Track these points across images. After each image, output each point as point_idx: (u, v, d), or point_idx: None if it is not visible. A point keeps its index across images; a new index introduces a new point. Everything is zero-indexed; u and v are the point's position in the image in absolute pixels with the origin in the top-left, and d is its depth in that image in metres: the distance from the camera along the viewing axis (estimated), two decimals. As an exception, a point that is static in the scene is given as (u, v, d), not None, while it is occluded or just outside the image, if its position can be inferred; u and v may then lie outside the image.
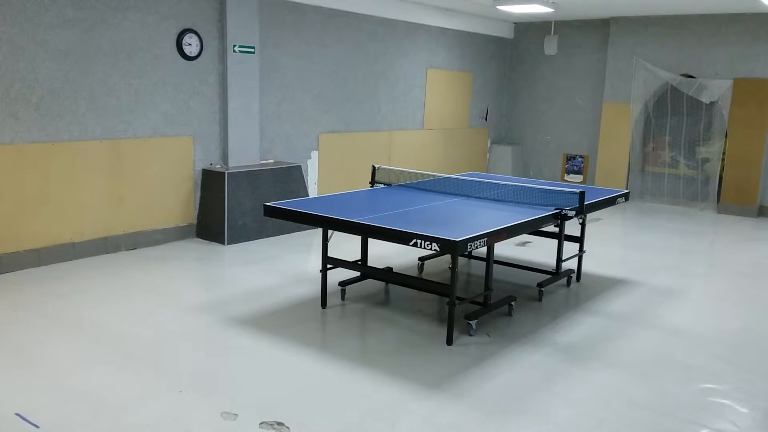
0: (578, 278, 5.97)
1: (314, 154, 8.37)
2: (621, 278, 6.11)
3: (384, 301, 5.29)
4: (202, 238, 7.11)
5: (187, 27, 6.71)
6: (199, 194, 7.12)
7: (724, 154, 9.60)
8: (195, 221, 7.16)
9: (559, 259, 5.66)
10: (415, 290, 5.35)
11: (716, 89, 9.46)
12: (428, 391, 3.72)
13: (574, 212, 5.05)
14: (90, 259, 6.18)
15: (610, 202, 5.85)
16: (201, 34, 6.83)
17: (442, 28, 9.98)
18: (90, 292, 5.26)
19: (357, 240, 5.52)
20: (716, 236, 8.33)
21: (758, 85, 9.21)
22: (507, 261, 6.33)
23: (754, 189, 9.39)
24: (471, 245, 4.00)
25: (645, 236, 8.07)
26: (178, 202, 6.97)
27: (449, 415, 3.46)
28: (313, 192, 8.35)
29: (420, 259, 6.25)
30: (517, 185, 6.04)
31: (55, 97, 5.84)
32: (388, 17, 9.02)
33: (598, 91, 10.75)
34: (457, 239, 3.89)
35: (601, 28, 10.60)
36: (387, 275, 5.19)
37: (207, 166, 7.12)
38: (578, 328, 4.78)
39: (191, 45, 6.76)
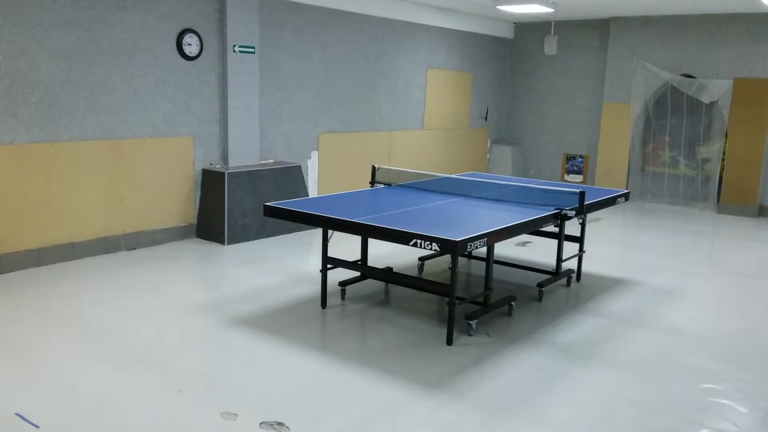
0: (578, 278, 5.97)
1: (314, 154, 8.37)
2: (621, 278, 6.11)
3: (384, 301, 5.29)
4: (202, 238, 7.11)
5: (187, 27, 6.71)
6: (199, 194, 7.13)
7: (724, 154, 9.60)
8: (195, 221, 7.16)
9: (559, 259, 5.66)
10: (415, 290, 5.35)
11: (716, 89, 9.46)
12: (428, 391, 3.72)
13: (574, 212, 5.05)
14: (90, 259, 6.18)
15: (610, 202, 5.85)
16: (201, 34, 6.83)
17: (442, 28, 9.98)
18: (90, 292, 5.27)
19: (357, 240, 5.52)
20: (716, 236, 8.33)
21: (758, 85, 9.21)
22: (507, 261, 6.33)
23: (754, 189, 9.39)
24: (471, 245, 4.01)
25: (645, 236, 8.07)
26: (178, 202, 6.97)
27: (449, 415, 3.46)
28: (313, 192, 8.35)
29: (420, 259, 6.25)
30: (517, 185, 6.04)
31: (55, 97, 5.84)
32: (388, 17, 9.02)
33: (598, 91, 10.75)
34: (457, 239, 3.89)
35: (601, 28, 10.60)
36: (387, 275, 5.19)
37: (207, 166, 7.12)
38: (578, 328, 4.79)
39: (191, 45, 6.76)
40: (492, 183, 6.02)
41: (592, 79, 10.84)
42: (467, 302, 4.83)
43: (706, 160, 9.89)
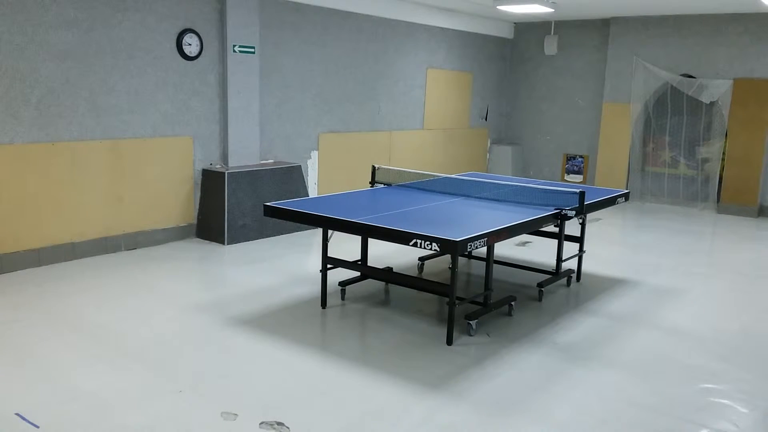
0: (578, 278, 5.97)
1: (314, 154, 8.37)
2: (621, 278, 6.11)
3: (384, 301, 5.29)
4: (202, 238, 7.11)
5: (187, 27, 6.71)
6: (199, 194, 7.12)
7: (724, 154, 9.61)
8: (195, 221, 7.16)
9: (559, 259, 5.66)
10: (415, 290, 5.35)
11: (716, 89, 9.46)
12: (428, 391, 3.72)
13: (574, 212, 5.05)
14: (90, 259, 6.18)
15: (610, 202, 5.85)
16: (201, 34, 6.83)
17: (442, 28, 9.98)
18: (90, 292, 5.27)
19: (357, 240, 5.52)
20: (716, 236, 8.33)
21: (758, 85, 9.21)
22: (507, 261, 6.33)
23: (754, 189, 9.39)
24: (471, 245, 4.01)
25: (645, 236, 8.07)
26: (178, 202, 6.97)
27: (449, 415, 3.46)
28: (313, 192, 8.35)
29: (420, 259, 6.25)
30: (517, 185, 6.04)
31: (55, 97, 5.84)
32: (388, 17, 9.02)
33: (598, 91, 10.75)
34: (457, 239, 3.89)
35: (601, 28, 10.60)
36: (387, 275, 5.18)
37: (207, 166, 7.12)
38: (578, 328, 4.78)
39: (191, 45, 6.76)
40: (492, 183, 6.02)
41: (592, 79, 10.83)
42: (467, 302, 4.83)
43: (706, 160, 9.90)
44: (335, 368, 3.98)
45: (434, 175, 6.33)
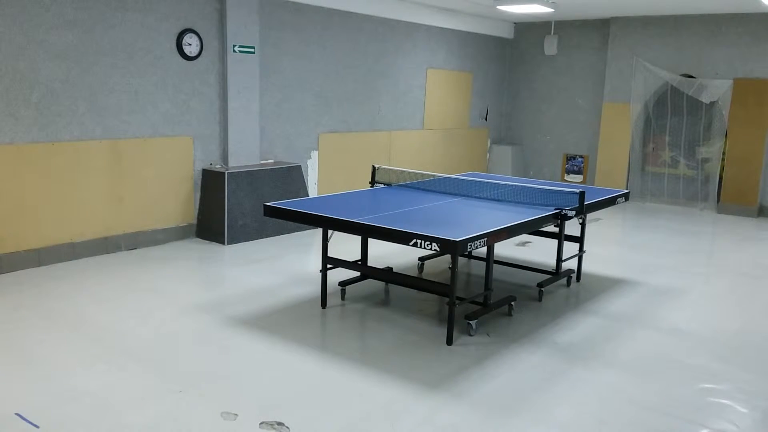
0: (578, 278, 5.97)
1: (314, 154, 8.37)
2: (621, 278, 6.11)
3: (384, 301, 5.29)
4: (202, 238, 7.11)
5: (187, 27, 6.71)
6: (199, 194, 7.12)
7: (724, 154, 9.61)
8: (195, 221, 7.16)
9: (559, 259, 5.66)
10: (415, 290, 5.35)
11: (716, 89, 9.46)
12: (428, 391, 3.72)
13: (574, 212, 5.05)
14: (90, 259, 6.18)
15: (610, 202, 5.85)
16: (201, 34, 6.83)
17: (442, 28, 9.98)
18: (90, 292, 5.27)
19: (357, 240, 5.52)
20: (716, 236, 8.33)
21: (758, 85, 9.21)
22: (507, 261, 6.33)
23: (754, 189, 9.39)
24: (471, 245, 4.01)
25: (645, 236, 8.07)
26: (178, 202, 6.97)
27: (449, 415, 3.46)
28: (313, 192, 8.35)
29: (420, 259, 6.25)
30: (517, 185, 6.04)
31: (55, 97, 5.84)
32: (388, 17, 9.02)
33: (598, 91, 10.75)
34: (457, 239, 3.89)
35: (601, 28, 10.60)
36: (387, 275, 5.18)
37: (207, 166, 7.12)
38: (578, 328, 4.79)
39: (191, 45, 6.76)
40: (492, 183, 6.02)
41: (592, 79, 10.83)
42: (467, 302, 4.83)
43: (706, 160, 9.89)
44: (335, 368, 3.98)
45: (434, 175, 6.34)
